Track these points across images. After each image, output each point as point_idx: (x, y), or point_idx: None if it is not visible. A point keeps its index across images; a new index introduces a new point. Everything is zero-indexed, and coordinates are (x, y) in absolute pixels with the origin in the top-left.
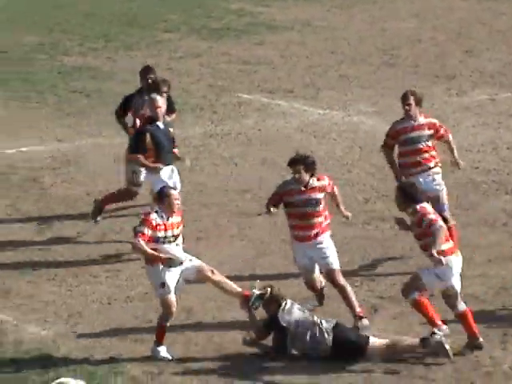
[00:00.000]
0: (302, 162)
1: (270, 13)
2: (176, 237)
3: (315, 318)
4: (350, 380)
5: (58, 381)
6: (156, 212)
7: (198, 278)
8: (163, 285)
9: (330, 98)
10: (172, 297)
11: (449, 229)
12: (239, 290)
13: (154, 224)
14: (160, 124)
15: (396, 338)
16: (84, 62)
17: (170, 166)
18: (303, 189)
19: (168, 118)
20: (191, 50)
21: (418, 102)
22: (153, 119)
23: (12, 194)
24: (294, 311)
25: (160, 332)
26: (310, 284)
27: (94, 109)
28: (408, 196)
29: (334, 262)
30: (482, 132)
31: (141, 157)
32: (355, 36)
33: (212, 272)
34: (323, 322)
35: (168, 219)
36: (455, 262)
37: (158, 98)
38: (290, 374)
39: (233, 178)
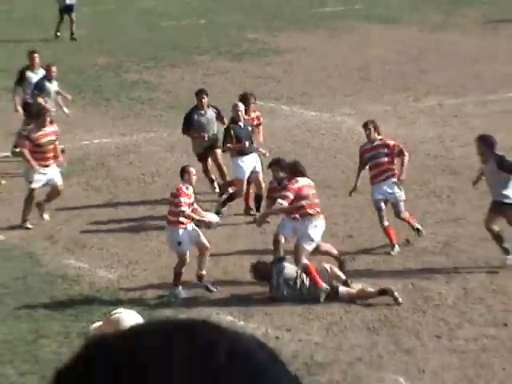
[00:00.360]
0: (276, 164)
1: (277, 41)
2: (192, 204)
3: (298, 271)
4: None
5: (114, 311)
6: (183, 185)
7: (197, 243)
8: (180, 243)
9: (320, 103)
10: (186, 252)
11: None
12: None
13: (186, 193)
14: (241, 123)
15: (362, 288)
16: (139, 78)
17: (251, 155)
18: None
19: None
20: (219, 68)
21: (376, 129)
22: (235, 120)
23: (86, 174)
24: (281, 266)
25: (177, 277)
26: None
27: (146, 112)
28: None
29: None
30: (432, 129)
31: (230, 146)
32: (339, 58)
33: (206, 247)
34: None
35: (188, 189)
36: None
37: (240, 104)
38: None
39: None
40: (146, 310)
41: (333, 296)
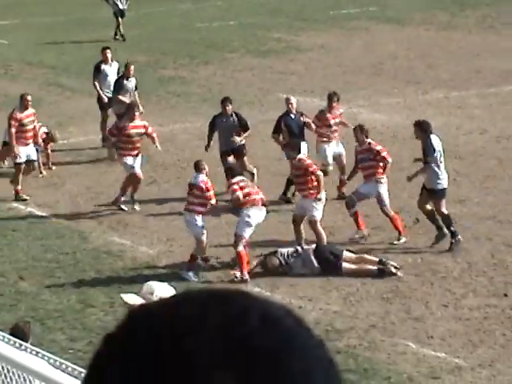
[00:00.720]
0: None
1: (298, 40)
2: None
3: (299, 249)
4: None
5: (146, 283)
6: (207, 178)
7: None
8: (203, 227)
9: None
10: (205, 237)
11: (391, 219)
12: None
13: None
14: (292, 115)
15: (363, 264)
16: (176, 74)
17: (302, 142)
18: None
19: (240, 138)
20: (247, 65)
21: (363, 132)
22: (288, 112)
23: None
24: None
25: (193, 261)
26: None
27: (181, 104)
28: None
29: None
30: (438, 118)
31: (275, 135)
32: (354, 55)
33: None
34: (305, 247)
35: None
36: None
37: (292, 97)
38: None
39: (274, 150)
40: (183, 282)
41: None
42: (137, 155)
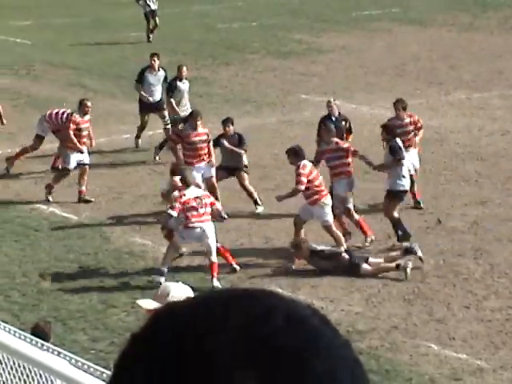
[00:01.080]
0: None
1: (319, 41)
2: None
3: (333, 248)
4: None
5: (163, 284)
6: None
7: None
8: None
9: (359, 97)
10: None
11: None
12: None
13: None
14: (332, 118)
15: (382, 263)
16: (198, 74)
17: None
18: None
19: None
20: (268, 66)
21: (330, 131)
22: (329, 115)
23: (151, 160)
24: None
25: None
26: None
27: (204, 105)
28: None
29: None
30: (461, 119)
31: (319, 139)
32: (376, 56)
33: None
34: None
35: None
36: None
37: (331, 100)
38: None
39: None
40: (206, 283)
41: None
42: (201, 162)
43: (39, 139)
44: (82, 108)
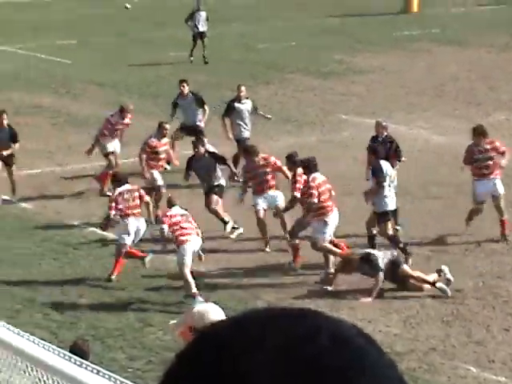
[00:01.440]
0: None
1: (358, 62)
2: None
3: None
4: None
5: (193, 305)
6: None
7: None
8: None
9: (399, 117)
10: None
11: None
12: None
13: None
14: (380, 139)
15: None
16: (233, 94)
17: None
18: None
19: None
20: (308, 85)
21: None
22: (375, 136)
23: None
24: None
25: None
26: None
27: None
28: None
29: None
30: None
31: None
32: (416, 76)
33: None
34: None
35: None
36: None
37: (380, 120)
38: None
39: (334, 170)
40: (242, 303)
41: None
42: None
43: (108, 156)
44: (161, 131)
